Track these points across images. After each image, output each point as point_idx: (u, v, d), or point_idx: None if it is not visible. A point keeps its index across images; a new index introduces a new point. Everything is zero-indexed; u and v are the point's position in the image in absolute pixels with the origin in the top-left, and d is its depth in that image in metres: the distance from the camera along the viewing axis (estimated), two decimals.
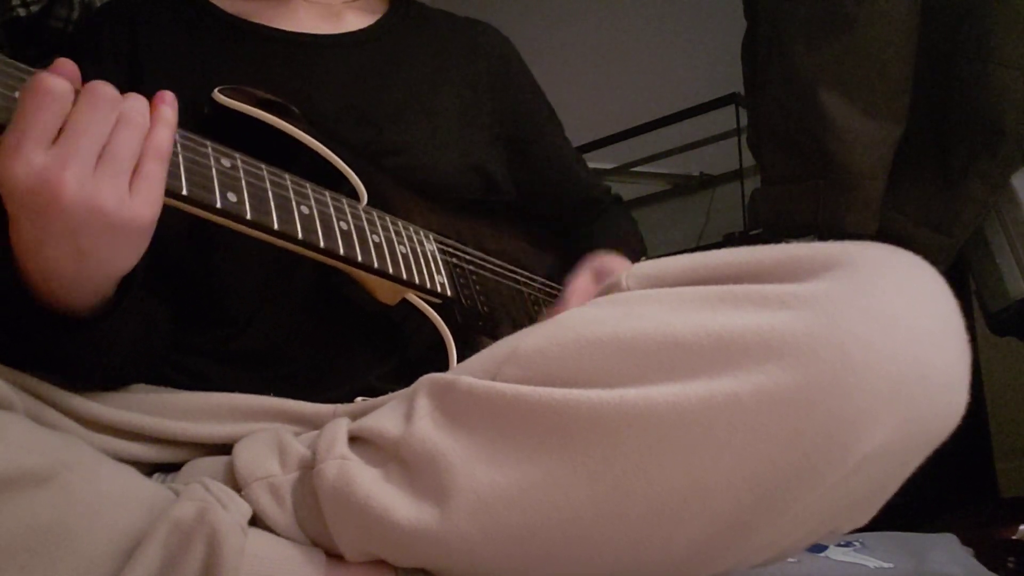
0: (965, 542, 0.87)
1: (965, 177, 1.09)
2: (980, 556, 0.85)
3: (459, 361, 0.67)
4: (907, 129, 1.12)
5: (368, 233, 0.67)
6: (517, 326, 0.54)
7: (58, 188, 0.46)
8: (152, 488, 0.52)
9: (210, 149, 0.58)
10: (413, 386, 0.55)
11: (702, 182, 2.31)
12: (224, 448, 0.59)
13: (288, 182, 0.63)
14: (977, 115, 1.07)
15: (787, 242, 0.50)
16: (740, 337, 0.44)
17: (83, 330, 0.55)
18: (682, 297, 0.48)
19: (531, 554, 0.48)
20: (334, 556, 0.52)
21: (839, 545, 0.84)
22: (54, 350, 0.57)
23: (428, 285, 0.71)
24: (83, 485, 0.47)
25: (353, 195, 0.70)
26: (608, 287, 0.56)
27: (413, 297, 0.70)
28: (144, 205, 0.50)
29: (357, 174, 0.71)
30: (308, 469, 0.53)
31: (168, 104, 0.53)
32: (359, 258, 0.65)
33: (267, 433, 0.59)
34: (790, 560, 0.77)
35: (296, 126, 0.69)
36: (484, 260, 0.82)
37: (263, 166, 0.62)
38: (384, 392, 0.62)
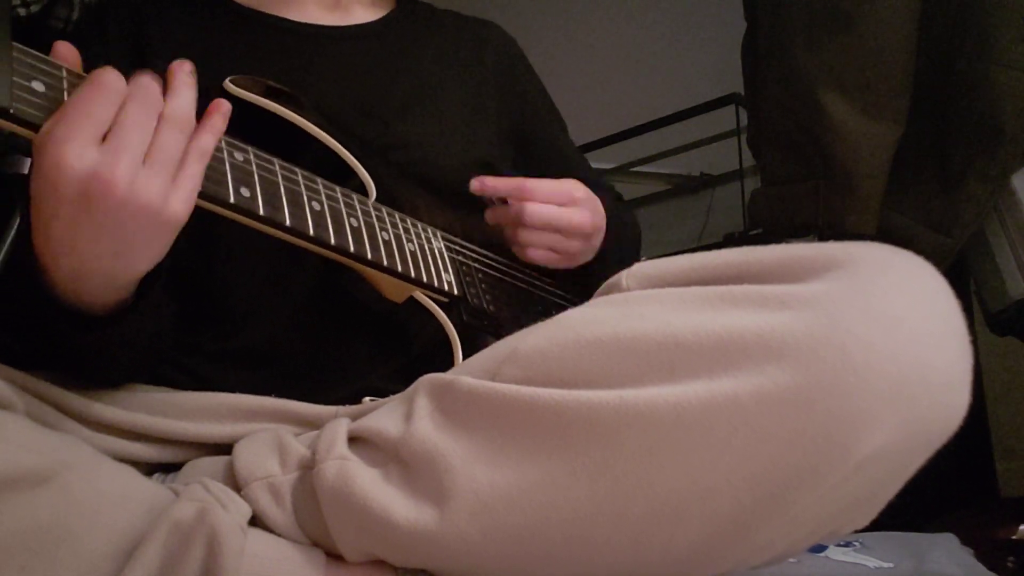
0: (965, 542, 0.87)
1: (965, 177, 1.09)
2: (980, 556, 0.85)
3: (464, 360, 0.67)
4: (907, 129, 1.12)
5: (378, 230, 0.67)
6: (522, 325, 0.54)
7: (111, 183, 0.47)
8: (152, 488, 0.52)
9: (223, 142, 0.58)
10: (413, 386, 0.55)
11: (702, 182, 2.31)
12: (224, 448, 0.59)
13: (300, 177, 0.63)
14: (977, 115, 1.07)
15: (787, 242, 0.50)
16: (740, 337, 0.43)
17: (104, 326, 0.55)
18: (682, 297, 0.48)
19: (531, 554, 0.48)
20: (334, 556, 0.53)
21: (839, 545, 0.84)
22: (73, 348, 0.57)
23: (436, 283, 0.71)
24: (83, 485, 0.47)
25: (361, 190, 0.70)
26: (608, 287, 0.56)
27: (420, 295, 0.70)
28: (182, 203, 0.51)
29: (366, 169, 0.71)
30: (308, 469, 0.53)
31: (223, 115, 0.54)
32: (369, 255, 0.65)
33: (267, 433, 0.59)
34: (790, 560, 0.77)
35: (307, 118, 0.69)
36: (489, 258, 0.82)
37: (275, 160, 0.62)
38: (388, 392, 0.62)
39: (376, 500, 0.49)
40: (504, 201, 0.78)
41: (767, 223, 1.24)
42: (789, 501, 0.44)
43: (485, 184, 0.76)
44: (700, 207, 2.29)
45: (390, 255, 0.67)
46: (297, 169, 0.63)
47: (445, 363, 0.69)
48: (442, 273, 0.72)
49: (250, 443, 0.57)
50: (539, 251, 0.78)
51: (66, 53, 0.51)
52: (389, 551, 0.51)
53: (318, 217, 0.62)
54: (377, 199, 0.70)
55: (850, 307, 0.43)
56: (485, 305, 0.76)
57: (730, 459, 0.43)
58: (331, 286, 0.70)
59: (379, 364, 0.71)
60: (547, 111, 0.97)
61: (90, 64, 0.51)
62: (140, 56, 0.74)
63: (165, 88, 0.52)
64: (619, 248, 0.85)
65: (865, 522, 0.51)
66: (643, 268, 0.54)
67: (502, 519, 0.46)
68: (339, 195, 0.66)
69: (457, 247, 0.77)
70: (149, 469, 0.60)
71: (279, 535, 0.52)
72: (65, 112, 0.47)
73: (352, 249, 0.64)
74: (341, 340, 0.71)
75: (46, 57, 0.50)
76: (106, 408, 0.58)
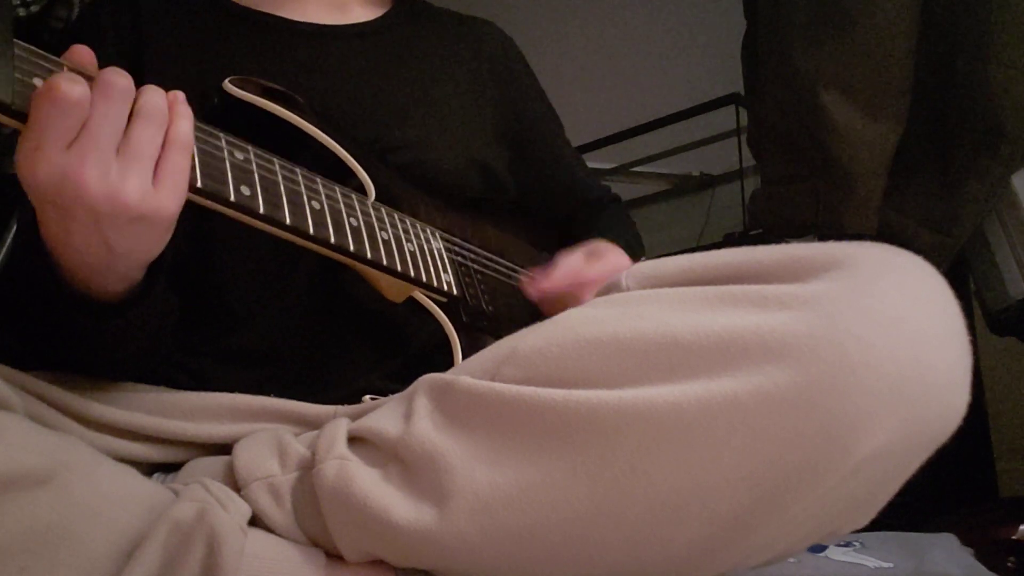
0: (965, 542, 0.87)
1: (965, 177, 1.09)
2: (980, 556, 0.85)
3: (463, 360, 0.67)
4: (907, 129, 1.12)
5: (377, 230, 0.67)
6: (520, 325, 0.54)
7: (81, 183, 0.47)
8: (152, 488, 0.52)
9: (224, 141, 0.58)
10: (412, 386, 0.55)
11: (702, 182, 2.31)
12: (224, 448, 0.59)
13: (299, 176, 0.63)
14: (977, 115, 1.07)
15: (787, 242, 0.50)
16: (740, 337, 0.43)
17: (114, 314, 0.55)
18: (682, 297, 0.48)
19: (530, 554, 0.48)
20: (334, 556, 0.52)
21: (839, 545, 0.84)
22: (84, 336, 0.57)
23: (435, 283, 0.71)
24: (83, 485, 0.47)
25: (360, 190, 0.70)
26: (608, 287, 0.56)
27: (419, 295, 0.70)
28: (169, 197, 0.50)
29: (365, 169, 0.71)
30: (308, 469, 0.53)
31: (182, 101, 0.53)
32: (368, 255, 0.65)
33: (267, 433, 0.59)
34: (790, 560, 0.77)
35: (305, 119, 0.69)
36: (488, 258, 0.82)
37: (275, 159, 0.62)
38: (387, 392, 0.62)
39: (376, 500, 0.49)
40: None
41: (767, 223, 1.24)
42: (788, 501, 0.44)
43: (539, 284, 0.73)
44: (700, 207, 2.29)
45: (389, 255, 0.67)
46: (297, 168, 0.63)
47: (444, 363, 0.69)
48: (441, 273, 0.72)
49: (250, 443, 0.57)
50: None
51: (83, 57, 0.51)
52: (389, 551, 0.51)
53: (318, 216, 0.62)
54: (376, 199, 0.70)
55: (850, 307, 0.43)
56: (484, 305, 0.76)
57: (730, 459, 0.43)
58: (330, 286, 0.70)
59: (378, 364, 0.71)
60: (544, 111, 0.97)
61: None
62: (137, 56, 0.74)
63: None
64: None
65: (865, 522, 0.50)
66: (643, 268, 0.54)
67: (502, 519, 0.46)
68: (339, 194, 0.66)
69: (456, 247, 0.77)
70: (149, 469, 0.60)
71: (279, 535, 0.52)
72: (30, 122, 0.47)
73: (352, 248, 0.64)
74: (340, 340, 0.71)
75: (47, 54, 0.50)
76: (106, 408, 0.58)
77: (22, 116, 0.47)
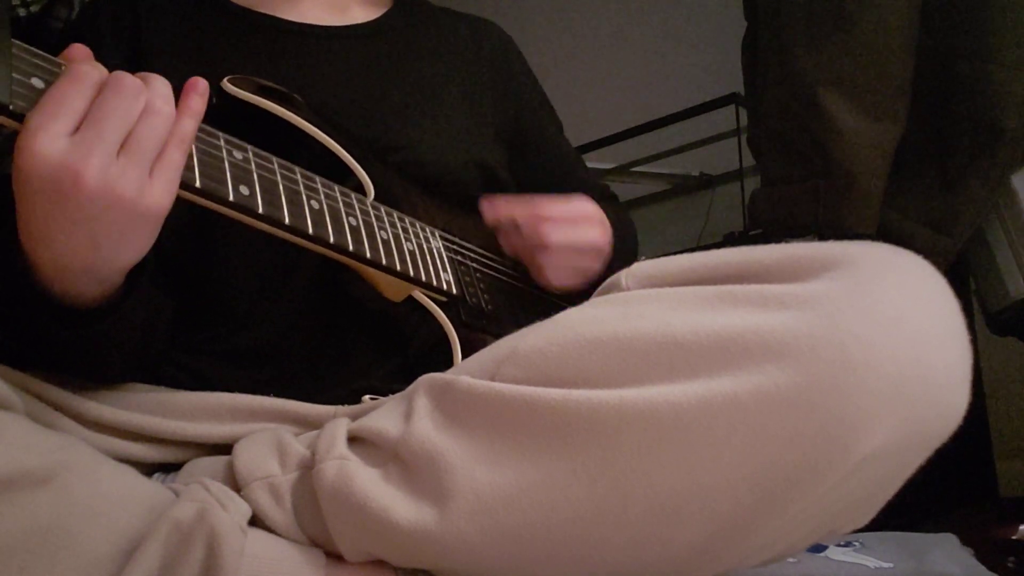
0: (965, 542, 0.87)
1: (965, 177, 1.09)
2: (980, 556, 0.85)
3: (462, 360, 0.67)
4: (907, 129, 1.12)
5: (376, 229, 0.67)
6: (520, 324, 0.54)
7: (80, 174, 0.46)
8: (152, 488, 0.52)
9: (222, 141, 0.58)
10: (412, 386, 0.54)
11: (702, 182, 2.31)
12: (224, 448, 0.59)
13: (298, 176, 0.63)
14: (977, 115, 1.07)
15: (787, 242, 0.50)
16: (740, 337, 0.43)
17: (93, 321, 0.55)
18: (682, 297, 0.48)
19: (530, 554, 0.48)
20: (334, 556, 0.52)
21: (839, 545, 0.84)
22: (63, 344, 0.57)
23: (434, 283, 0.71)
24: (83, 486, 0.47)
25: (359, 190, 0.70)
26: (608, 287, 0.56)
27: (419, 295, 0.70)
28: (162, 194, 0.50)
29: (364, 169, 0.71)
30: (308, 469, 0.53)
31: (199, 94, 0.53)
32: (368, 254, 0.65)
33: (267, 433, 0.58)
34: (790, 560, 0.77)
35: (304, 118, 0.69)
36: (487, 258, 0.82)
37: (274, 159, 0.62)
38: (387, 392, 0.62)
39: (376, 500, 0.49)
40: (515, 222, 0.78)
41: (767, 223, 1.24)
42: (788, 500, 0.44)
43: (496, 209, 0.75)
44: (700, 207, 2.29)
45: (389, 254, 0.67)
46: (296, 168, 0.63)
47: (444, 362, 0.69)
48: (440, 272, 0.72)
49: (250, 443, 0.57)
50: (561, 273, 0.78)
51: (80, 54, 0.51)
52: (389, 551, 0.51)
53: (317, 216, 0.62)
54: (375, 198, 0.70)
55: (850, 307, 0.43)
56: (483, 304, 0.76)
57: (730, 458, 0.43)
58: (330, 286, 0.70)
59: (378, 364, 0.71)
60: (543, 110, 0.97)
61: None
62: (135, 56, 0.74)
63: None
64: (623, 254, 0.86)
65: (864, 522, 0.51)
66: (642, 268, 0.54)
67: (502, 519, 0.46)
68: (338, 194, 0.66)
69: (455, 247, 0.77)
70: (149, 469, 0.60)
71: (279, 535, 0.52)
72: (40, 103, 0.47)
73: (351, 248, 0.64)
74: (340, 340, 0.71)
75: (45, 55, 0.50)
76: (106, 408, 0.58)
77: (20, 117, 0.47)
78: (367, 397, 0.64)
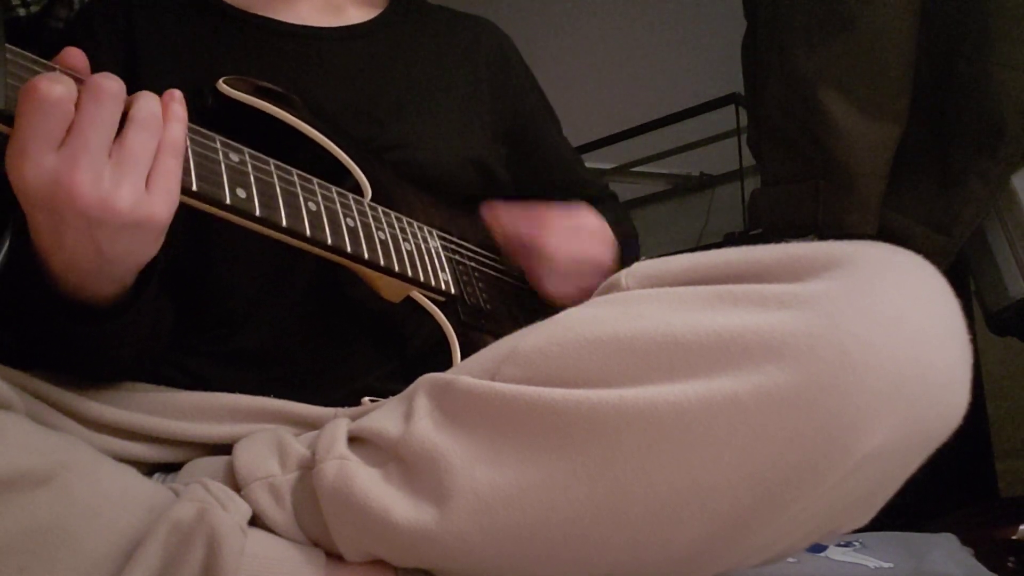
0: (965, 542, 0.87)
1: (965, 177, 1.09)
2: (980, 556, 0.85)
3: (462, 360, 0.67)
4: (907, 129, 1.12)
5: (374, 230, 0.67)
6: (519, 324, 0.54)
7: (72, 189, 0.46)
8: (152, 488, 0.52)
9: (218, 143, 0.58)
10: (412, 386, 0.55)
11: (702, 182, 2.31)
12: (224, 448, 0.59)
13: (295, 177, 0.63)
14: (977, 115, 1.07)
15: (787, 242, 0.50)
16: (740, 337, 0.43)
17: (107, 319, 0.55)
18: (682, 297, 0.48)
19: (530, 554, 0.48)
20: (334, 556, 0.52)
21: (839, 545, 0.84)
22: (76, 341, 0.57)
23: (433, 283, 0.71)
24: (83, 486, 0.47)
25: (356, 190, 0.70)
26: (608, 287, 0.56)
27: (417, 295, 0.70)
28: (162, 203, 0.50)
29: (361, 169, 0.71)
30: (308, 469, 0.53)
31: (177, 102, 0.53)
32: (366, 255, 0.65)
33: (267, 433, 0.59)
34: (790, 560, 0.77)
35: (301, 118, 0.69)
36: (486, 257, 0.82)
37: (270, 161, 0.62)
38: (387, 392, 0.62)
39: (376, 500, 0.49)
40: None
41: (767, 223, 1.24)
42: (788, 500, 0.44)
43: (499, 219, 0.75)
44: (700, 207, 2.29)
45: (387, 255, 0.67)
46: (292, 170, 0.63)
47: (443, 363, 0.69)
48: (439, 272, 0.72)
49: (250, 443, 0.57)
50: (560, 283, 0.78)
51: (75, 60, 0.51)
52: (389, 551, 0.51)
53: (314, 217, 0.62)
54: (373, 199, 0.70)
55: (850, 306, 0.43)
56: (482, 304, 0.76)
57: (730, 458, 0.43)
58: (329, 287, 0.70)
59: (377, 364, 0.71)
60: (541, 109, 0.97)
61: None
62: (131, 58, 0.74)
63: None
64: (624, 258, 0.85)
65: (864, 521, 0.51)
66: (643, 268, 0.54)
67: (502, 519, 0.46)
68: (335, 195, 0.66)
69: (453, 246, 0.77)
70: (149, 469, 0.60)
71: (279, 535, 0.52)
72: (16, 124, 0.47)
73: (349, 249, 0.64)
74: (339, 341, 0.71)
75: (39, 59, 0.50)
76: (106, 408, 0.58)
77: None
78: (367, 398, 0.64)
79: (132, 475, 0.52)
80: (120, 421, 0.59)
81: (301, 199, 0.62)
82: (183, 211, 0.54)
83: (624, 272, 0.54)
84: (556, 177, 0.97)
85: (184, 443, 0.60)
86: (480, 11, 0.97)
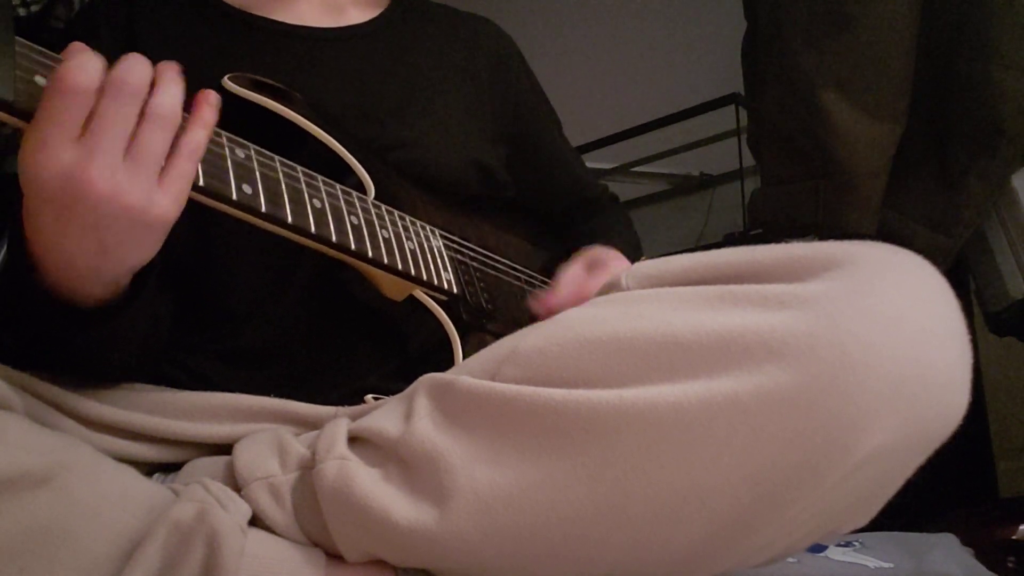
0: (965, 542, 0.87)
1: (965, 177, 1.09)
2: (980, 556, 0.85)
3: (464, 359, 0.67)
4: (907, 129, 1.12)
5: (377, 228, 0.67)
6: (520, 324, 0.54)
7: (86, 183, 0.46)
8: (152, 488, 0.52)
9: (225, 139, 0.58)
10: (413, 386, 0.55)
11: (702, 182, 2.31)
12: (224, 448, 0.59)
13: (300, 174, 0.63)
14: (977, 115, 1.07)
15: (787, 242, 0.50)
16: (740, 337, 0.43)
17: (100, 323, 0.55)
18: (682, 297, 0.48)
19: (530, 554, 0.48)
20: (334, 556, 0.52)
21: (839, 545, 0.84)
22: (69, 343, 0.57)
23: (435, 282, 0.71)
24: (82, 486, 0.47)
25: (359, 188, 0.70)
26: (608, 287, 0.56)
27: (419, 294, 0.70)
28: (171, 203, 0.50)
29: (364, 167, 0.71)
30: (308, 469, 0.53)
31: (212, 105, 0.53)
32: (369, 253, 0.65)
33: (267, 433, 0.59)
34: (790, 560, 0.77)
35: (305, 116, 0.69)
36: (487, 257, 0.82)
37: (276, 157, 0.62)
38: (388, 391, 0.62)
39: (376, 500, 0.49)
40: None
41: (767, 223, 1.24)
42: (789, 500, 0.44)
43: (549, 307, 0.70)
44: (700, 207, 2.29)
45: (390, 253, 0.67)
46: (297, 166, 0.63)
47: (444, 362, 0.69)
48: (441, 271, 0.72)
49: (250, 443, 0.57)
50: None
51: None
52: (389, 551, 0.51)
53: (319, 215, 0.62)
54: (376, 197, 0.70)
55: (850, 307, 0.43)
56: (484, 304, 0.76)
57: (730, 458, 0.43)
58: (330, 285, 0.70)
59: (378, 363, 0.71)
60: (542, 109, 0.97)
61: None
62: None
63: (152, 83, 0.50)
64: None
65: (865, 521, 0.51)
66: (643, 268, 0.54)
67: (502, 519, 0.46)
68: (339, 193, 0.66)
69: (456, 246, 0.77)
70: (149, 469, 0.60)
71: (279, 535, 0.52)
72: (38, 114, 0.47)
73: (353, 247, 0.64)
74: (341, 339, 0.71)
75: (49, 52, 0.50)
76: (106, 408, 0.58)
77: (23, 114, 0.47)
78: (368, 397, 0.64)
79: (132, 475, 0.52)
80: (120, 421, 0.59)
81: (306, 196, 0.62)
82: (186, 208, 0.54)
83: (624, 272, 0.54)
84: (556, 177, 0.97)
85: (184, 443, 0.60)
86: (480, 11, 0.97)
